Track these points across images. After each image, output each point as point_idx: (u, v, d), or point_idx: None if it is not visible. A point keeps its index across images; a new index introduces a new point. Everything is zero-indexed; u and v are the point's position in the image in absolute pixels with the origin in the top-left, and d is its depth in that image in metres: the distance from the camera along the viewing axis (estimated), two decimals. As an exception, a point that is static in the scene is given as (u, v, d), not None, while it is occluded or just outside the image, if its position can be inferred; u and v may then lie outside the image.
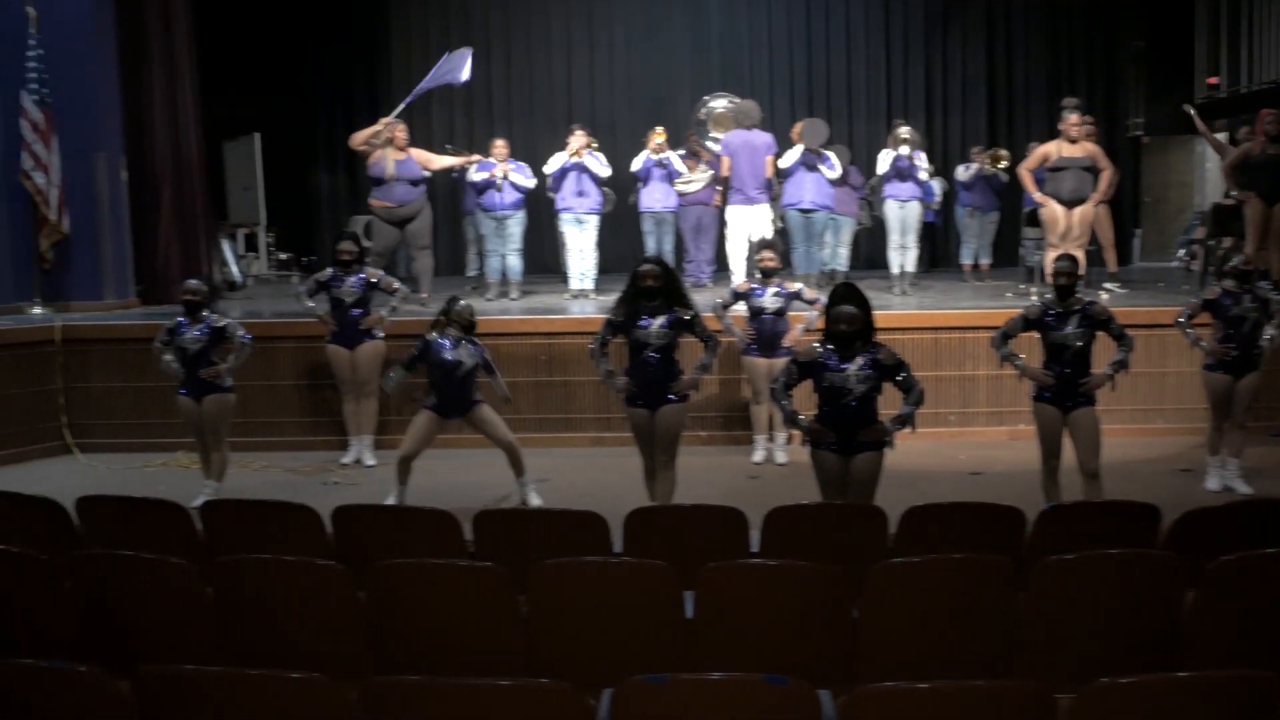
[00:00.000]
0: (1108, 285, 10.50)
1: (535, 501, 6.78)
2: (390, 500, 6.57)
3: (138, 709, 2.92)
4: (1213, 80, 13.87)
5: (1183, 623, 3.63)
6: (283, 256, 13.34)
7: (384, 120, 10.01)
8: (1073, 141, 9.52)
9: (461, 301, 6.91)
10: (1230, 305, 6.94)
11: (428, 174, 10.03)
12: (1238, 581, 3.61)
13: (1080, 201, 9.49)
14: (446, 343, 6.69)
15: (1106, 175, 9.72)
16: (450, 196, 13.51)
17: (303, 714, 2.90)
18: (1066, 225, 9.49)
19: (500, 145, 10.45)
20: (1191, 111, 10.29)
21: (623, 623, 3.69)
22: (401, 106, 10.42)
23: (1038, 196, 9.65)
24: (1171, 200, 14.48)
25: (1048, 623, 3.65)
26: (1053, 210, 9.53)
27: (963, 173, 12.07)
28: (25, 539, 4.25)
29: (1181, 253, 13.12)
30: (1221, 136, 13.41)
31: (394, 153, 9.76)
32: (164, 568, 3.79)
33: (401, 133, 9.88)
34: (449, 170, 11.10)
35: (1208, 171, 14.01)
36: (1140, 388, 8.44)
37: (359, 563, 3.89)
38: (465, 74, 10.55)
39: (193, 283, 6.98)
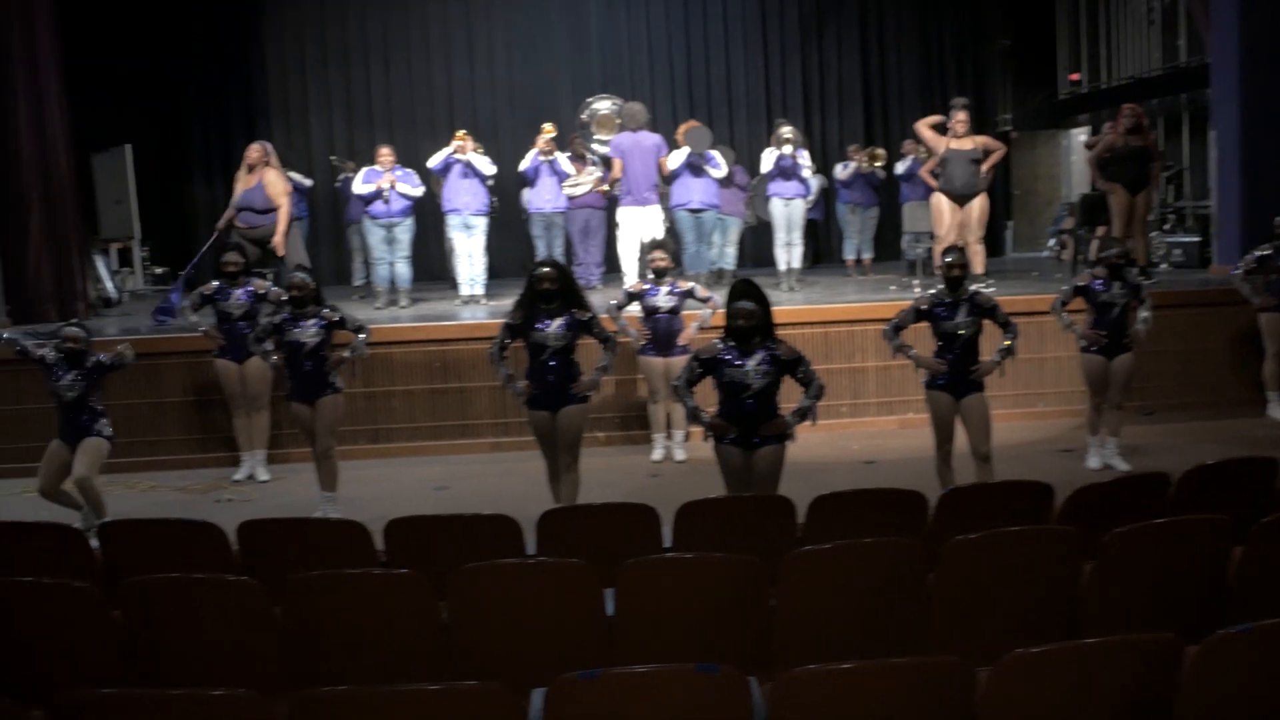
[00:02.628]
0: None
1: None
2: None
3: (54, 738, 2.83)
4: (1074, 77, 14.50)
5: (1082, 592, 3.79)
6: (159, 271, 12.93)
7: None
8: (959, 137, 9.78)
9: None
10: (1101, 291, 7.26)
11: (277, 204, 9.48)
12: (1131, 551, 3.79)
13: (972, 194, 9.74)
14: None
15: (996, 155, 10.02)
16: (331, 206, 13.29)
17: (229, 732, 2.84)
18: (954, 218, 9.73)
19: (386, 153, 10.31)
20: None
21: (545, 623, 3.70)
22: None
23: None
24: (1040, 193, 15.05)
25: (957, 600, 3.78)
26: (939, 204, 9.79)
27: (841, 171, 12.35)
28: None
29: (1051, 243, 13.66)
30: (1085, 131, 13.99)
31: (245, 177, 9.45)
32: (66, 593, 3.66)
33: (255, 153, 9.47)
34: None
35: (1073, 164, 14.61)
36: (1022, 373, 8.74)
37: (270, 578, 3.82)
38: None
39: (72, 330, 6.57)
